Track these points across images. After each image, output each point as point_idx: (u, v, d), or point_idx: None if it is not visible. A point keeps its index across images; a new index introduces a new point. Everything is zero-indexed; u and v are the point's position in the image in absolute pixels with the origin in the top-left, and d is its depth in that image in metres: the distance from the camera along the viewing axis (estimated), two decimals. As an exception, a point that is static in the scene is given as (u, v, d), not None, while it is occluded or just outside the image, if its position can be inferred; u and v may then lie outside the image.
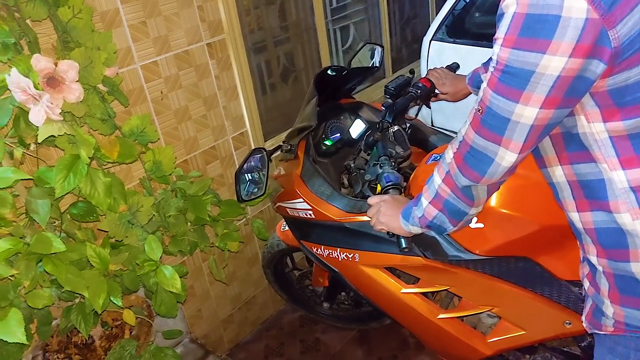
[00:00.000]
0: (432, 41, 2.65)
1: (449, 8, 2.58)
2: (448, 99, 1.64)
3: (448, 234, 1.30)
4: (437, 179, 1.07)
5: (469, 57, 2.37)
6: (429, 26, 2.70)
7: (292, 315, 2.48)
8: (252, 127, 2.20)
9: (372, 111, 1.78)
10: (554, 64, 0.74)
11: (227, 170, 2.16)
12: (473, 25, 2.59)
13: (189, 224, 1.54)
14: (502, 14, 0.78)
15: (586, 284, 1.00)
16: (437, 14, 2.67)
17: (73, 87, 1.09)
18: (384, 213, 1.23)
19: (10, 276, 1.08)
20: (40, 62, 1.04)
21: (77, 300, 1.30)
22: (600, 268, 0.93)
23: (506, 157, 0.88)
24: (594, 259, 0.93)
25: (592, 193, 0.88)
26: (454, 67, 1.75)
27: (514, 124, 0.83)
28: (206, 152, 2.05)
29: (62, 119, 1.07)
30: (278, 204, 1.69)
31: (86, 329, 1.28)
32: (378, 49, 1.90)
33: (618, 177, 0.84)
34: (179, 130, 1.93)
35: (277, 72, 2.43)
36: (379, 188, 1.34)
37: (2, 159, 1.09)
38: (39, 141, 1.07)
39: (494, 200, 1.20)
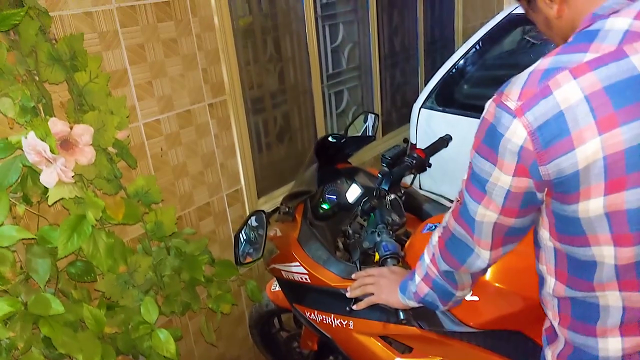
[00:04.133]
0: (422, 109, 2.76)
1: (438, 78, 2.71)
2: None
3: (443, 306, 1.32)
4: (426, 258, 1.10)
5: (457, 126, 2.48)
6: (418, 93, 2.83)
7: (276, 377, 2.41)
8: (246, 184, 2.23)
9: (368, 177, 1.83)
10: (502, 178, 0.78)
11: (219, 227, 2.17)
12: (461, 96, 2.72)
13: (182, 283, 1.53)
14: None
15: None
16: (425, 82, 2.80)
17: (86, 150, 1.11)
18: (384, 288, 1.26)
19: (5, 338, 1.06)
20: (57, 126, 1.06)
21: (66, 362, 1.27)
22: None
23: (481, 254, 0.91)
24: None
25: (540, 283, 0.95)
26: (446, 139, 1.82)
27: (479, 224, 0.86)
28: (200, 209, 2.07)
29: (73, 181, 1.09)
30: (272, 265, 1.69)
31: (75, 392, 1.23)
32: (372, 117, 1.97)
33: (549, 282, 0.88)
34: (175, 186, 1.95)
35: (273, 131, 2.49)
36: (377, 256, 1.37)
37: (6, 218, 1.09)
38: (50, 203, 1.08)
39: (489, 275, 1.24)
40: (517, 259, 1.19)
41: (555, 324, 0.90)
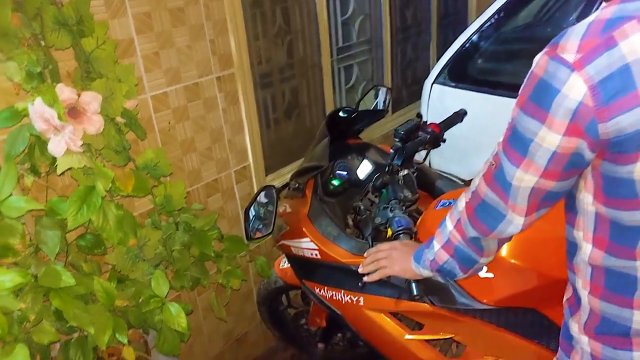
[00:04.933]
0: (434, 84, 2.70)
1: (452, 53, 2.64)
2: None
3: (456, 282, 1.30)
4: (449, 224, 1.06)
5: (470, 102, 2.42)
6: (429, 69, 2.76)
7: (283, 353, 2.43)
8: (254, 161, 2.20)
9: (379, 153, 1.80)
10: (549, 138, 0.73)
11: (227, 203, 2.14)
12: (475, 71, 2.65)
13: (192, 259, 1.52)
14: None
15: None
16: (437, 58, 2.73)
17: (94, 119, 1.08)
18: (397, 259, 1.23)
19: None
20: (64, 92, 1.03)
21: (75, 335, 1.26)
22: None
23: (514, 220, 0.87)
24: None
25: (569, 254, 0.92)
26: (462, 114, 1.78)
27: (515, 188, 0.82)
28: (208, 185, 2.04)
29: (82, 150, 1.06)
30: (282, 241, 1.67)
31: (85, 365, 1.23)
32: (384, 91, 1.93)
33: (585, 249, 0.84)
34: (183, 161, 1.92)
35: (281, 107, 2.45)
36: (389, 232, 1.34)
37: (15, 188, 1.06)
38: (58, 173, 1.05)
39: (504, 251, 1.21)
40: (534, 233, 1.15)
41: (585, 294, 0.87)
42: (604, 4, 0.75)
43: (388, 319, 1.46)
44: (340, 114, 1.68)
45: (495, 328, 1.32)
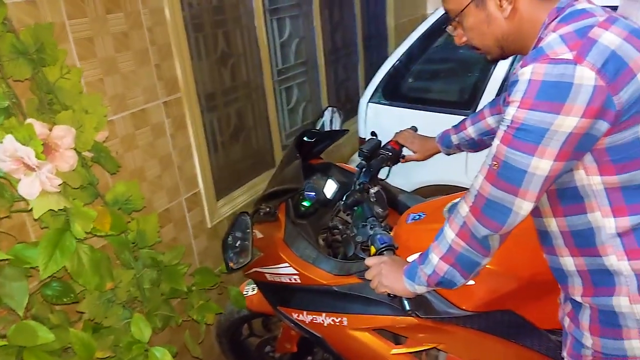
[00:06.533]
0: (370, 103, 2.79)
1: (384, 73, 2.74)
2: (417, 159, 1.72)
3: (438, 292, 1.33)
4: (450, 233, 1.09)
5: (405, 118, 2.53)
6: (359, 88, 2.84)
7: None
8: (205, 186, 2.13)
9: (340, 171, 1.81)
10: (567, 122, 0.85)
11: (180, 233, 2.04)
12: (407, 90, 2.78)
13: (162, 296, 1.42)
14: (517, 81, 0.89)
15: (566, 321, 1.10)
16: (365, 77, 2.82)
17: (67, 155, 0.98)
18: (386, 275, 1.22)
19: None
20: (36, 128, 0.92)
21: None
22: (585, 305, 1.03)
23: (523, 206, 0.95)
24: (578, 298, 1.04)
25: (583, 241, 1.00)
26: (414, 129, 1.84)
27: (530, 176, 0.91)
28: (160, 215, 1.93)
29: (59, 190, 0.95)
30: (255, 269, 1.62)
31: None
32: (330, 111, 1.95)
33: (609, 224, 0.95)
34: (134, 193, 1.80)
35: (227, 130, 2.39)
36: (372, 250, 1.35)
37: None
38: (36, 217, 0.93)
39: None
40: (508, 241, 1.22)
41: (625, 264, 0.95)
42: (552, 26, 0.93)
43: (372, 337, 1.46)
44: (305, 138, 1.68)
45: (475, 333, 1.37)
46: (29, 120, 0.92)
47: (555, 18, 0.93)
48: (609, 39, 0.86)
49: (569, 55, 0.85)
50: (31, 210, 0.96)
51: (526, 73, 0.87)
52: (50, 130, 0.96)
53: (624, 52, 0.86)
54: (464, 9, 1.03)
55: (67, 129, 0.97)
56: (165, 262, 1.42)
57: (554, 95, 0.85)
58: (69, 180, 0.99)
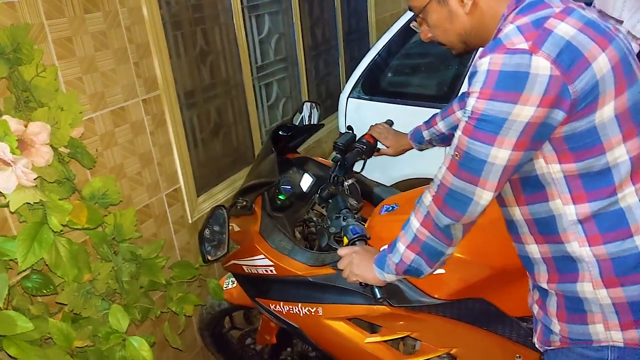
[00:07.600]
0: (350, 98, 2.83)
1: (363, 68, 2.78)
2: (390, 153, 1.76)
3: (410, 281, 1.38)
4: (415, 222, 1.13)
5: (385, 112, 2.57)
6: (340, 83, 2.87)
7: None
8: (185, 182, 2.15)
9: (316, 165, 1.85)
10: (524, 112, 0.87)
11: (160, 228, 2.07)
12: (386, 84, 2.83)
13: (141, 289, 1.45)
14: (475, 72, 0.91)
15: (535, 309, 1.13)
16: (346, 72, 2.85)
17: (43, 150, 1.01)
18: (357, 264, 1.25)
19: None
20: (11, 124, 0.95)
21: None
22: (552, 292, 1.06)
23: (483, 195, 0.97)
24: (545, 285, 1.07)
25: (546, 228, 1.02)
26: (389, 123, 1.89)
27: (489, 166, 0.93)
28: (140, 211, 1.95)
29: (35, 184, 0.98)
30: (232, 261, 1.66)
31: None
32: (309, 106, 1.99)
33: (569, 211, 0.97)
34: (114, 189, 1.82)
35: (207, 127, 2.42)
36: (345, 240, 1.39)
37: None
38: (12, 210, 0.96)
39: (453, 248, 1.31)
40: (479, 232, 1.27)
41: (587, 250, 0.97)
42: (510, 17, 0.95)
43: (347, 326, 1.50)
44: (280, 132, 1.71)
45: (448, 320, 1.41)
46: (4, 117, 0.95)
47: (514, 9, 0.96)
48: (564, 29, 0.88)
49: (524, 45, 0.87)
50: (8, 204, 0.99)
51: (484, 63, 0.89)
52: (26, 126, 0.99)
53: (579, 42, 0.88)
54: (426, 5, 1.06)
55: (42, 125, 1.00)
56: (144, 256, 1.45)
57: (511, 85, 0.87)
58: (45, 175, 1.02)
